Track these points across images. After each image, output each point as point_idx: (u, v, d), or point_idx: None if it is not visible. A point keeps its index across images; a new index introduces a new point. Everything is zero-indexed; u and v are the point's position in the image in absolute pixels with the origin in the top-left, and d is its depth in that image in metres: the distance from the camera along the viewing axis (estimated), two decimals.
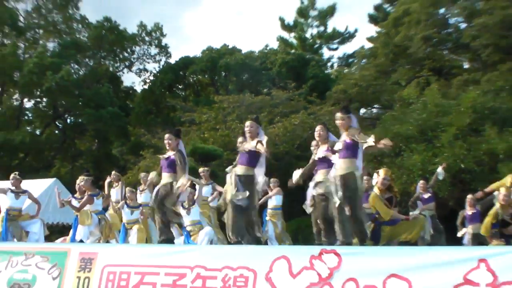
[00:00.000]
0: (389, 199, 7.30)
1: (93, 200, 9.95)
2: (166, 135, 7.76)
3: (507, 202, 8.09)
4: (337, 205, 6.48)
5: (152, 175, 9.74)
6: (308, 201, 7.16)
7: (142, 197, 11.35)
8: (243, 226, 6.92)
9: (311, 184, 7.02)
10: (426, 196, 11.05)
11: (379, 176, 7.58)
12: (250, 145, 7.00)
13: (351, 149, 6.49)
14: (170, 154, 7.68)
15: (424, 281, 5.12)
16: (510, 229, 8.06)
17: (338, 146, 6.59)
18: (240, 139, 7.59)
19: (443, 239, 10.62)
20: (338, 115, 6.69)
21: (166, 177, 7.64)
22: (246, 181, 6.89)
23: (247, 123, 7.29)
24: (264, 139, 7.03)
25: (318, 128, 7.09)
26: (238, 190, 6.87)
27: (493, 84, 18.47)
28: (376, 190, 7.41)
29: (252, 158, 6.93)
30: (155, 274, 6.45)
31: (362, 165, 6.67)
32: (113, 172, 11.94)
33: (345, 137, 6.55)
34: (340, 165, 6.52)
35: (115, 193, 11.55)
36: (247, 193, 6.83)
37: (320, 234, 7.17)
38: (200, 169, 11.85)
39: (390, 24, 25.61)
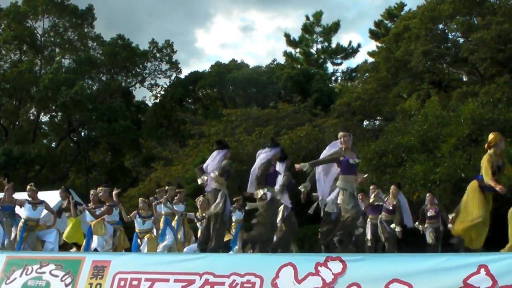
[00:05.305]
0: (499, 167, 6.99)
1: (112, 210, 10.19)
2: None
3: None
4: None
5: None
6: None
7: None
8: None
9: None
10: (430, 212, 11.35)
11: None
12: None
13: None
14: None
15: (425, 285, 5.23)
16: None
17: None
18: None
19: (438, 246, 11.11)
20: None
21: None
22: None
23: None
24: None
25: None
26: None
27: (491, 96, 18.19)
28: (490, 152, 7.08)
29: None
30: (165, 280, 6.55)
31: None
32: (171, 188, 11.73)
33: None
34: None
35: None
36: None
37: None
38: None
39: (391, 39, 25.60)
